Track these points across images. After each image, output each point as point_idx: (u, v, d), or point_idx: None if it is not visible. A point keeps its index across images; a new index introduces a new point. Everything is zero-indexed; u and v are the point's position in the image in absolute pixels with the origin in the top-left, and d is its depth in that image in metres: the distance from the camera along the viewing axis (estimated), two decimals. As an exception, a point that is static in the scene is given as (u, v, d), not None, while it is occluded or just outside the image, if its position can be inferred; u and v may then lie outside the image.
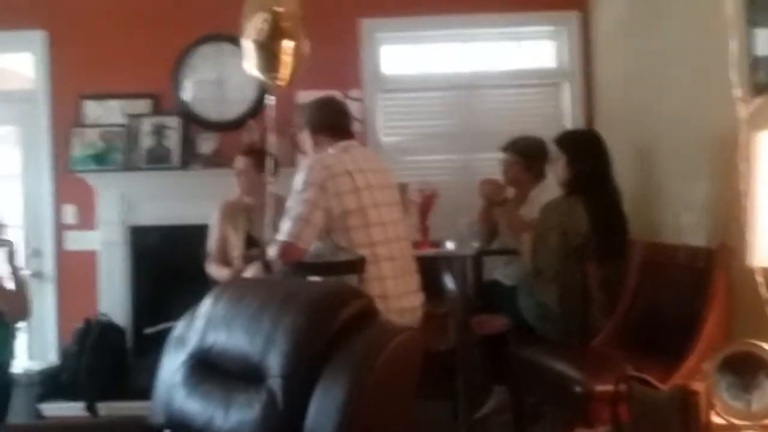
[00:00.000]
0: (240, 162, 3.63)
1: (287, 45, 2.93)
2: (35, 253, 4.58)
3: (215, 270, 3.56)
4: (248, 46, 3.01)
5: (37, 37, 4.56)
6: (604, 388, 2.23)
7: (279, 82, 3.03)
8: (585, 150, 3.28)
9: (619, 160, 3.35)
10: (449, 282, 3.64)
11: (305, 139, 2.91)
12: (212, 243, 3.65)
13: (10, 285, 3.27)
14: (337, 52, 4.34)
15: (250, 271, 3.13)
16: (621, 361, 2.14)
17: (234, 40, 4.37)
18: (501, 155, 3.78)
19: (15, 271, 3.31)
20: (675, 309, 2.52)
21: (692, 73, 2.98)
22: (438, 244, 3.84)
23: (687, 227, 2.98)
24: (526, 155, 3.66)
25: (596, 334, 2.83)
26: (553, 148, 3.47)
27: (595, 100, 4.41)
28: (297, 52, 2.98)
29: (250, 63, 3.07)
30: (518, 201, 3.68)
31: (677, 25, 3.16)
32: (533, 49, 4.72)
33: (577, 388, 2.36)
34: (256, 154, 3.64)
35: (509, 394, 3.31)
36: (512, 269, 3.62)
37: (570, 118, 4.45)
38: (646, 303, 2.71)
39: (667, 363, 2.23)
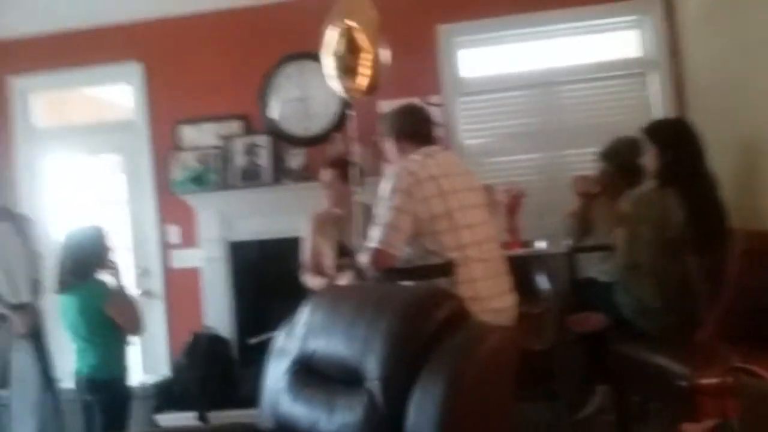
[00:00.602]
0: (325, 174, 3.71)
1: (363, 57, 2.98)
2: (144, 273, 4.85)
3: (310, 280, 3.67)
4: (327, 61, 3.10)
5: (134, 68, 4.85)
6: (709, 381, 2.16)
7: (357, 94, 3.09)
8: (675, 139, 3.17)
9: (714, 147, 3.24)
10: (542, 281, 3.61)
11: (389, 147, 2.95)
12: (305, 254, 3.75)
13: None
14: (415, 59, 4.39)
15: (344, 279, 3.21)
16: (726, 352, 2.07)
17: (314, 57, 4.52)
18: (597, 162, 3.70)
19: (121, 291, 3.55)
20: (781, 296, 2.42)
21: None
22: (528, 243, 3.81)
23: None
24: (623, 168, 3.56)
25: (699, 326, 2.73)
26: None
27: (685, 87, 4.26)
28: (375, 63, 3.02)
29: (330, 77, 3.16)
30: (614, 196, 3.59)
31: (766, 8, 3.03)
32: (616, 40, 4.60)
33: (682, 383, 2.30)
34: (340, 166, 3.71)
35: (612, 393, 3.25)
36: (608, 265, 3.53)
37: (659, 108, 4.32)
38: (750, 292, 2.60)
39: (776, 353, 2.15)
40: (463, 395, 1.75)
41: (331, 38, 3.06)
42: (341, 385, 2.01)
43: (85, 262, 3.41)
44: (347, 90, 3.15)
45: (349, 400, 1.93)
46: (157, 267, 4.84)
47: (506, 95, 4.59)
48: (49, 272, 4.04)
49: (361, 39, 2.99)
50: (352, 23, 2.98)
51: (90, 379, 3.37)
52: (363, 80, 3.06)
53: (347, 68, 3.07)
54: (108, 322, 3.37)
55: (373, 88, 3.17)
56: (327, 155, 4.33)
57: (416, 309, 1.99)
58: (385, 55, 3.15)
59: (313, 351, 2.16)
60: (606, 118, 4.35)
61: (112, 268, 3.55)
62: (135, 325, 3.51)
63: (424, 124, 2.94)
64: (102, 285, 3.43)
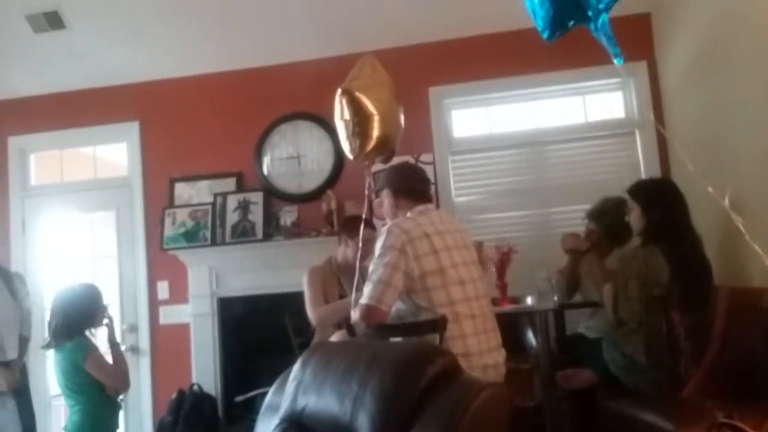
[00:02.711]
0: (367, 233, 3.53)
1: (368, 119, 2.99)
2: (131, 329, 4.83)
3: (323, 309, 3.57)
4: (338, 126, 3.11)
5: (131, 127, 4.95)
6: (695, 437, 2.17)
7: (364, 156, 3.08)
8: (659, 199, 3.25)
9: (698, 206, 3.31)
10: (532, 337, 3.62)
11: (384, 202, 2.99)
12: (311, 297, 3.64)
13: (109, 360, 3.49)
14: (408, 119, 4.48)
15: (336, 336, 3.21)
16: (712, 408, 2.08)
17: (308, 117, 4.68)
18: (584, 221, 3.77)
19: (114, 347, 3.53)
20: (765, 352, 2.45)
21: (766, 113, 2.96)
22: (517, 300, 3.84)
23: (773, 270, 2.90)
24: (611, 227, 3.62)
25: (686, 383, 2.76)
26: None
27: (669, 147, 4.37)
28: (382, 125, 3.04)
29: (342, 142, 3.16)
30: (602, 254, 3.65)
31: (747, 69, 3.15)
32: (601, 101, 4.74)
33: (669, 439, 2.32)
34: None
35: (601, 450, 3.24)
36: (596, 321, 3.57)
37: (644, 167, 4.42)
38: (735, 348, 2.63)
39: (760, 408, 2.16)
40: (454, 452, 1.75)
41: (338, 103, 3.07)
42: (332, 443, 1.99)
43: (74, 320, 3.39)
44: (352, 152, 3.13)
45: (340, 457, 1.92)
46: (145, 323, 4.82)
47: (496, 154, 4.68)
48: (39, 329, 4.04)
49: (364, 102, 3.00)
50: (351, 87, 3.00)
51: None
52: (367, 142, 3.05)
53: (354, 132, 3.06)
54: (91, 380, 3.33)
55: (383, 149, 3.14)
56: (321, 212, 4.38)
57: (408, 365, 1.99)
58: (399, 114, 3.15)
59: (304, 407, 2.15)
60: (593, 176, 4.45)
61: (107, 325, 3.54)
62: (119, 383, 3.47)
63: (421, 182, 3.00)
64: (83, 342, 3.39)
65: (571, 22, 1.80)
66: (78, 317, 3.40)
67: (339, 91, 2.97)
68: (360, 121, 2.93)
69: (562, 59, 4.45)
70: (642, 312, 3.00)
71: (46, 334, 3.49)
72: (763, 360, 2.47)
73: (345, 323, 2.90)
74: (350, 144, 3.02)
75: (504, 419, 1.98)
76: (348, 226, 3.80)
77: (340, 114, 3.01)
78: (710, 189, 1.70)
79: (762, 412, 2.14)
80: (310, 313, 3.65)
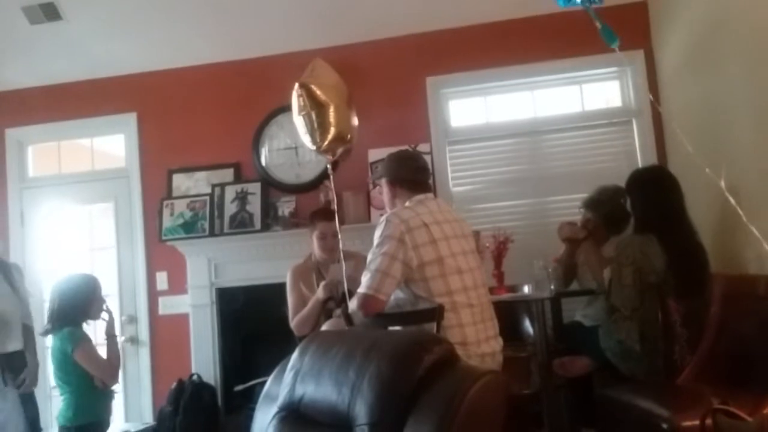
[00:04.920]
0: (329, 227, 3.66)
1: (326, 110, 3.02)
2: (130, 320, 4.85)
3: (295, 321, 3.62)
4: (297, 122, 3.15)
5: (128, 119, 4.95)
6: (690, 423, 2.19)
7: (322, 150, 3.10)
8: (653, 187, 3.27)
9: (695, 193, 3.32)
10: (529, 326, 3.63)
11: (383, 191, 2.99)
12: (292, 303, 3.71)
13: (102, 352, 3.48)
14: (405, 109, 4.54)
15: (328, 325, 3.23)
16: (707, 395, 2.11)
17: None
18: (580, 209, 3.78)
19: (110, 339, 3.53)
20: (761, 339, 2.47)
21: (761, 100, 2.96)
22: (514, 288, 3.86)
23: (769, 257, 2.92)
24: (607, 217, 3.64)
25: (681, 370, 2.78)
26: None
27: (666, 135, 4.38)
28: (337, 114, 3.04)
29: (303, 136, 3.20)
30: (598, 243, 3.67)
31: (743, 56, 3.16)
32: (598, 90, 4.74)
33: (664, 425, 2.33)
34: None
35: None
36: (592, 309, 3.59)
37: (641, 156, 4.43)
38: (730, 335, 2.65)
39: (755, 394, 2.18)
40: (451, 439, 1.76)
41: (295, 99, 3.11)
42: (329, 431, 2.01)
43: (68, 310, 3.38)
44: (311, 146, 3.15)
45: (337, 445, 1.93)
46: (144, 314, 4.83)
47: (493, 144, 4.68)
48: (37, 320, 4.05)
49: (320, 93, 3.02)
50: (308, 81, 3.03)
51: (61, 426, 3.32)
52: (324, 136, 3.06)
53: (314, 123, 3.08)
54: (79, 370, 3.33)
55: (342, 141, 3.15)
56: (318, 202, 4.39)
57: (405, 354, 2.00)
58: (352, 114, 3.18)
59: (302, 396, 2.16)
60: (590, 165, 4.46)
61: (104, 318, 3.53)
62: (107, 376, 3.42)
63: (420, 171, 2.98)
64: (74, 332, 3.36)
65: None
66: (72, 307, 3.39)
67: (296, 85, 3.00)
68: (319, 112, 2.97)
69: (559, 49, 4.46)
70: (636, 299, 3.02)
71: (45, 321, 3.50)
72: (758, 347, 2.49)
73: (343, 311, 2.91)
74: (311, 136, 3.05)
75: (501, 406, 1.99)
76: (309, 220, 3.83)
77: (299, 109, 3.05)
78: (708, 170, 1.71)
79: (757, 398, 2.16)
80: (290, 323, 3.67)
